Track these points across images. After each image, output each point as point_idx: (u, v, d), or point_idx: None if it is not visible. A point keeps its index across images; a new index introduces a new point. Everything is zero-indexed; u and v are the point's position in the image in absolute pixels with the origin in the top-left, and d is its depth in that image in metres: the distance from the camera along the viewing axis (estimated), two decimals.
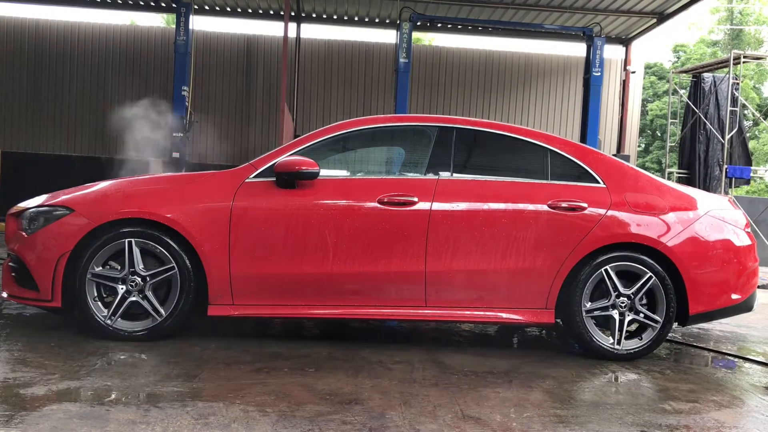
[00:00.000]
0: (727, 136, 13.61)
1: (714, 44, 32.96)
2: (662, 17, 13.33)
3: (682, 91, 15.92)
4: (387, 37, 15.98)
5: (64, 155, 13.95)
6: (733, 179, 13.55)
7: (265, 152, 4.06)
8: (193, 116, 12.10)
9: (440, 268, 3.74)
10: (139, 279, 3.63)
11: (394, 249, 3.72)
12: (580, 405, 2.97)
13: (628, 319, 3.83)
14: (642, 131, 29.76)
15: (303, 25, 14.67)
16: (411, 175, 4.00)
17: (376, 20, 14.85)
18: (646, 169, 22.60)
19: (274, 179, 3.76)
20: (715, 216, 4.00)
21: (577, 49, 14.80)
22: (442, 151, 3.98)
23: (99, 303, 3.64)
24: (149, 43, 14.70)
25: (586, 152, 4.08)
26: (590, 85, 12.50)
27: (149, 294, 3.64)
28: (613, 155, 8.54)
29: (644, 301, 3.87)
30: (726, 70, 14.11)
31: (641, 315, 3.85)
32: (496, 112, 15.17)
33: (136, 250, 3.63)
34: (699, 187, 9.75)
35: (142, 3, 14.42)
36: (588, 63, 12.61)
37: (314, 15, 14.64)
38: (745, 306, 4.08)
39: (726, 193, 13.15)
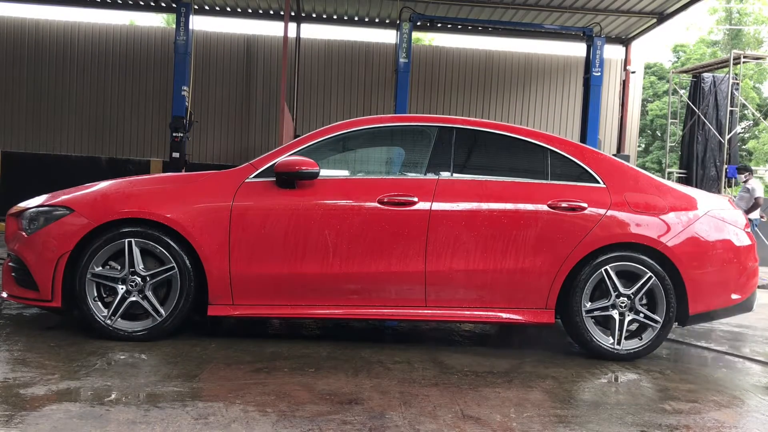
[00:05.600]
0: (728, 136, 13.62)
1: (713, 44, 32.97)
2: (662, 17, 13.33)
3: (682, 91, 15.93)
4: (387, 37, 16.00)
5: (64, 155, 13.96)
6: (733, 179, 13.55)
7: (265, 152, 4.06)
8: (193, 116, 12.09)
9: (440, 268, 3.74)
10: (139, 279, 3.63)
11: (394, 249, 3.72)
12: (580, 405, 2.97)
13: (628, 319, 3.83)
14: (642, 131, 29.78)
15: (303, 25, 14.66)
16: (411, 175, 4.00)
17: (376, 20, 14.85)
18: (646, 169, 22.63)
19: (274, 179, 3.76)
20: (715, 216, 4.00)
21: (577, 49, 14.80)
22: (442, 151, 3.98)
23: (99, 303, 3.64)
24: (149, 43, 14.69)
25: (586, 152, 4.08)
26: (590, 85, 12.50)
27: (149, 294, 3.65)
28: (613, 155, 8.53)
29: (644, 301, 3.87)
30: (726, 70, 14.12)
31: (641, 315, 3.85)
32: (496, 112, 15.17)
33: (136, 250, 3.63)
34: (696, 187, 9.75)
35: (142, 3, 14.42)
36: (588, 63, 12.60)
37: (314, 15, 14.64)
38: (745, 306, 4.08)
39: (722, 192, 13.15)
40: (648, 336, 3.86)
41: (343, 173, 4.26)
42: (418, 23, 12.72)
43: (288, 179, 3.73)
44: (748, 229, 4.14)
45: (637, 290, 3.83)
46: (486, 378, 3.32)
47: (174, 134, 11.40)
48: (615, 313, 3.83)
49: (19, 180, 13.09)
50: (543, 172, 3.98)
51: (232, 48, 14.77)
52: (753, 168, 12.96)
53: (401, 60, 11.76)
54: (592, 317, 3.85)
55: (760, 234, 11.99)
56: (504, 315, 3.83)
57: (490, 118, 14.92)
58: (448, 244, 3.74)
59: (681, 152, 15.80)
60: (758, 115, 24.35)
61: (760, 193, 10.56)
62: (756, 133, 30.64)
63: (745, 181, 10.67)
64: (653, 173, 4.21)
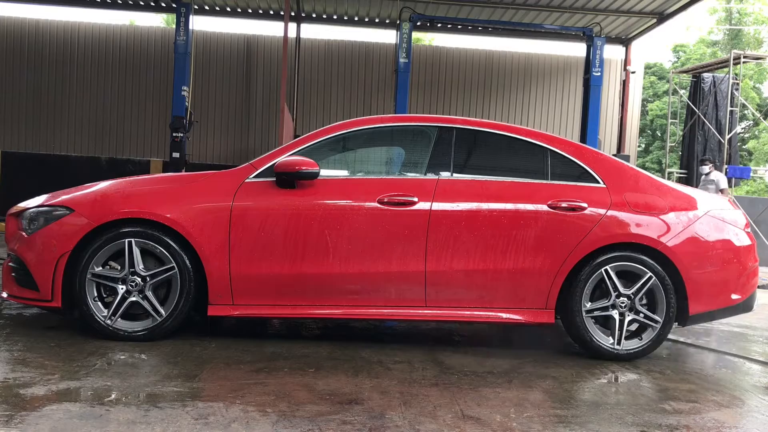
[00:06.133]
0: (727, 136, 13.62)
1: (713, 44, 32.98)
2: (662, 17, 13.33)
3: (682, 91, 15.93)
4: (387, 37, 15.98)
5: (64, 155, 13.95)
6: (733, 179, 13.55)
7: (265, 152, 4.06)
8: (193, 116, 12.08)
9: (440, 268, 3.74)
10: (139, 279, 3.63)
11: (394, 249, 3.72)
12: (580, 405, 2.97)
13: (628, 319, 3.83)
14: (642, 131, 29.78)
15: (303, 25, 14.65)
16: (411, 175, 4.00)
17: (376, 20, 14.84)
18: (646, 169, 22.62)
19: (274, 179, 3.76)
20: (715, 216, 4.00)
21: (577, 49, 14.79)
22: (442, 151, 3.98)
23: (99, 303, 3.64)
24: (149, 43, 14.69)
25: (586, 152, 4.08)
26: (590, 85, 12.49)
27: (149, 294, 3.65)
28: (613, 155, 8.54)
29: (644, 301, 3.87)
30: (726, 70, 14.12)
31: (641, 315, 3.85)
32: (496, 112, 15.17)
33: (136, 250, 3.63)
34: (696, 187, 9.88)
35: (142, 3, 14.42)
36: (588, 63, 12.59)
37: (314, 15, 14.63)
38: (745, 306, 4.08)
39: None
40: (648, 336, 3.86)
41: (343, 173, 4.26)
42: (418, 23, 12.71)
43: (288, 179, 3.73)
44: (748, 229, 4.14)
45: (637, 290, 3.83)
46: (486, 378, 3.32)
47: (174, 134, 11.39)
48: (615, 313, 3.83)
49: (19, 180, 13.07)
50: (543, 172, 3.98)
51: (232, 48, 14.77)
52: (753, 168, 13.02)
53: (401, 60, 11.75)
54: (592, 317, 3.85)
55: (760, 234, 11.99)
56: (504, 315, 3.83)
57: (490, 118, 14.91)
58: (448, 244, 3.74)
59: (681, 152, 15.80)
60: (758, 115, 24.35)
61: (724, 184, 10.74)
62: (756, 133, 30.64)
63: (707, 173, 10.83)
64: (653, 173, 4.21)
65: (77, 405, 2.55)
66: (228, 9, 14.51)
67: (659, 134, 31.14)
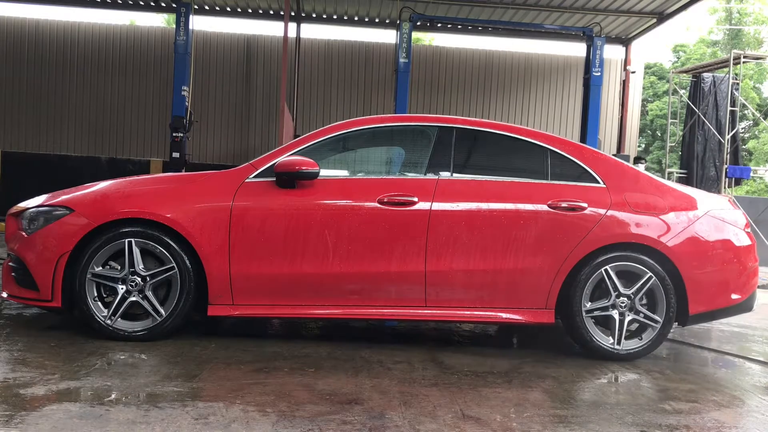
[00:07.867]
0: (727, 136, 13.61)
1: (714, 44, 32.98)
2: (662, 17, 13.33)
3: (682, 91, 15.92)
4: (387, 37, 15.98)
5: (64, 155, 13.95)
6: (734, 179, 13.55)
7: (265, 152, 4.06)
8: (193, 116, 12.08)
9: (440, 268, 3.74)
10: (139, 279, 3.63)
11: (394, 249, 3.72)
12: (580, 405, 2.97)
13: (628, 319, 3.83)
14: (642, 131, 29.78)
15: (303, 25, 14.65)
16: (411, 175, 4.00)
17: (376, 20, 14.84)
18: (646, 168, 22.59)
19: (274, 179, 3.76)
20: (715, 216, 4.00)
21: (577, 49, 14.79)
22: (442, 151, 3.98)
23: (99, 303, 3.64)
24: (149, 43, 14.69)
25: (586, 152, 4.09)
26: (590, 85, 12.48)
27: (149, 294, 3.65)
28: (613, 155, 8.53)
29: (644, 301, 3.87)
30: (726, 70, 14.11)
31: (641, 315, 3.85)
32: (496, 112, 15.16)
33: (136, 250, 3.63)
34: (695, 187, 9.90)
35: (142, 3, 14.42)
36: (588, 63, 12.59)
37: (314, 15, 14.63)
38: (745, 306, 4.08)
39: (722, 192, 13.16)
40: (648, 336, 3.86)
41: (343, 173, 4.27)
42: (418, 23, 12.71)
43: (288, 179, 3.73)
44: (748, 229, 4.14)
45: (637, 290, 3.83)
46: (486, 378, 3.32)
47: (174, 134, 11.38)
48: (615, 313, 3.83)
49: (19, 180, 13.07)
50: (543, 172, 3.98)
51: (232, 48, 14.77)
52: (753, 168, 13.09)
53: (401, 60, 11.75)
54: (592, 317, 3.85)
55: (760, 234, 11.99)
56: (504, 315, 3.83)
57: (490, 118, 14.91)
58: (448, 244, 3.74)
59: (681, 152, 15.80)
60: (758, 115, 24.35)
61: None
62: (756, 133, 30.64)
63: None
64: (653, 173, 4.21)
65: (77, 405, 2.55)
66: (228, 9, 14.51)
67: (659, 134, 31.13)
